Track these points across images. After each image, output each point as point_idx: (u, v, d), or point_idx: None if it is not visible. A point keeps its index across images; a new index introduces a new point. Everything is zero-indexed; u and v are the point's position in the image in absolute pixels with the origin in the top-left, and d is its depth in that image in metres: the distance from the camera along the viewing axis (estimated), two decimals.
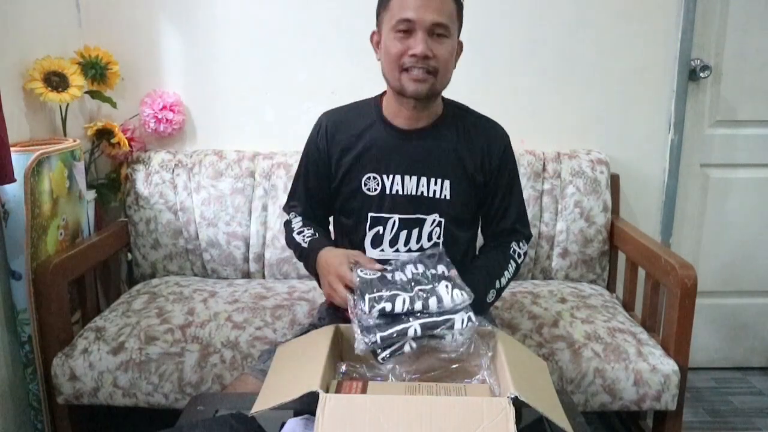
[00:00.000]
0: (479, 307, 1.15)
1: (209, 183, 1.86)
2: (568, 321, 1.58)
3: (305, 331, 1.24)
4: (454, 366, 0.98)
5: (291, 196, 1.39)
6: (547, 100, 1.97)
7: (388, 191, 1.26)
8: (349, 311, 1.02)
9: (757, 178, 2.07)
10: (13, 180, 1.35)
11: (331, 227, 1.40)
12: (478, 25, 1.79)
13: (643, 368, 1.45)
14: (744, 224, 2.09)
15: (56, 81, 1.66)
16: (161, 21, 1.91)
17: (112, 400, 1.47)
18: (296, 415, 0.94)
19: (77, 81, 1.69)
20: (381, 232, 1.28)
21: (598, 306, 1.67)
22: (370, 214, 1.28)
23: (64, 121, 1.76)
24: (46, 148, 1.54)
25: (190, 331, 1.52)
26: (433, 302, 0.98)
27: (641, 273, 1.71)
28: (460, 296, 0.99)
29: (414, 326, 0.96)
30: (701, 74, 1.94)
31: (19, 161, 1.43)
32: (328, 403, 0.81)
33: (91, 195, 1.81)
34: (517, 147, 1.42)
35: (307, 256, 1.25)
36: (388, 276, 1.05)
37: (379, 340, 0.95)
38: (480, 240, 1.39)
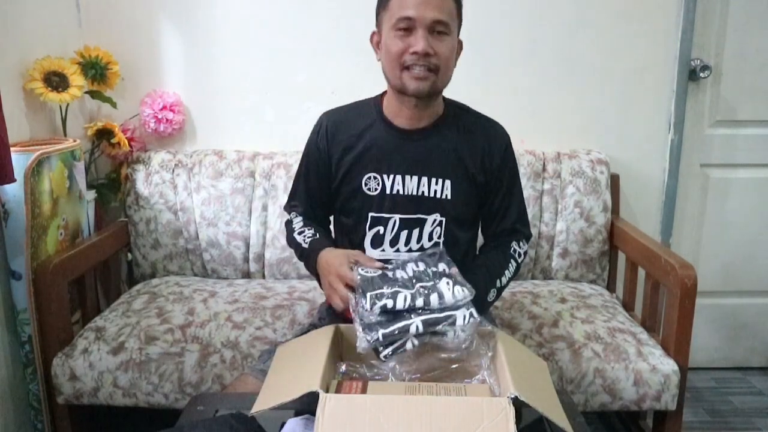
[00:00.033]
0: (480, 306, 1.14)
1: (209, 183, 1.86)
2: (568, 321, 1.58)
3: (305, 331, 1.24)
4: (454, 366, 0.98)
5: (292, 195, 1.39)
6: (547, 100, 1.97)
7: (388, 191, 1.26)
8: (351, 310, 1.02)
9: (757, 178, 2.06)
10: (13, 180, 1.35)
11: (331, 227, 1.40)
12: (478, 25, 1.79)
13: (643, 368, 1.45)
14: (744, 224, 2.09)
15: (56, 81, 1.66)
16: (161, 21, 1.91)
17: (112, 400, 1.47)
18: (296, 415, 0.94)
19: (77, 81, 1.69)
20: (381, 232, 1.28)
21: (598, 306, 1.67)
22: (370, 214, 1.28)
23: (64, 121, 1.76)
24: (46, 148, 1.54)
25: (190, 331, 1.52)
26: (434, 298, 0.97)
27: (641, 273, 1.71)
28: (462, 292, 0.99)
29: (416, 322, 0.96)
30: (701, 74, 1.94)
31: (19, 161, 1.43)
32: (328, 403, 0.81)
33: (91, 195, 1.81)
34: (517, 147, 1.42)
35: (308, 257, 1.25)
36: (389, 274, 1.05)
37: (381, 337, 0.95)
38: (480, 240, 1.39)
